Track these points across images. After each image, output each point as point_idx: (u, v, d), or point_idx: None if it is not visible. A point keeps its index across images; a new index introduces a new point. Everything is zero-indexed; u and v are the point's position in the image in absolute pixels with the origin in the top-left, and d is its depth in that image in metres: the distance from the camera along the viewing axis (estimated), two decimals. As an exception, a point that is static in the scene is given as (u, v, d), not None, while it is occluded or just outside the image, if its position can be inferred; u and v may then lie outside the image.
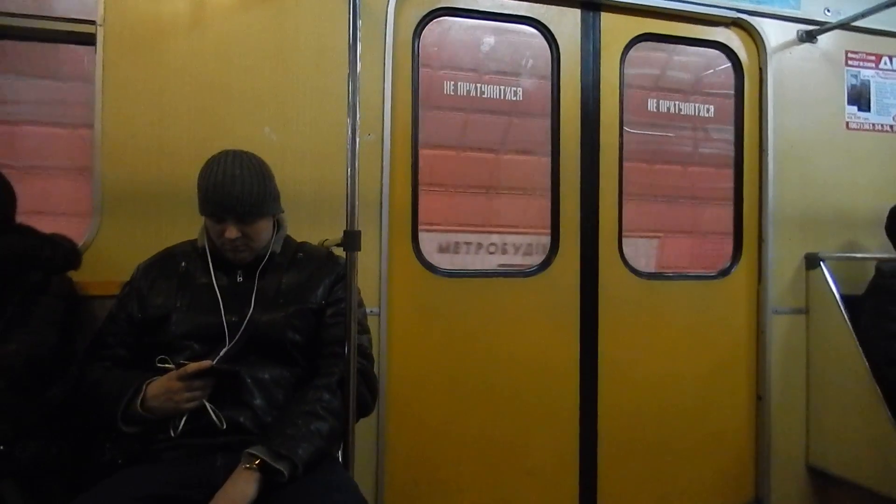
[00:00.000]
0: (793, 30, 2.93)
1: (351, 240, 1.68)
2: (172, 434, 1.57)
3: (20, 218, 1.89)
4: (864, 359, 2.61)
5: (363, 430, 2.16)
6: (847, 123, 3.00)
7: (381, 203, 2.40)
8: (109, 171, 2.15)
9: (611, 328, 2.72)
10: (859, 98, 3.03)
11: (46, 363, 1.71)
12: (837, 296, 2.75)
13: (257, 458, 1.45)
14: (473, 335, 2.56)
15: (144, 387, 1.58)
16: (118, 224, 2.15)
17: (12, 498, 1.51)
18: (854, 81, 3.03)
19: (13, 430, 1.58)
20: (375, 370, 1.86)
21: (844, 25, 2.91)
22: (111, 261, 2.08)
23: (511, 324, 2.60)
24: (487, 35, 3.30)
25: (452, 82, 2.71)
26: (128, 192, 2.16)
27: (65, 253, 1.88)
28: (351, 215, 1.69)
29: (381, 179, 2.40)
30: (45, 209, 3.47)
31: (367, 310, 2.03)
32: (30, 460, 1.58)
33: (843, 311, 2.71)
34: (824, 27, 2.92)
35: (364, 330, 1.83)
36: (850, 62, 3.03)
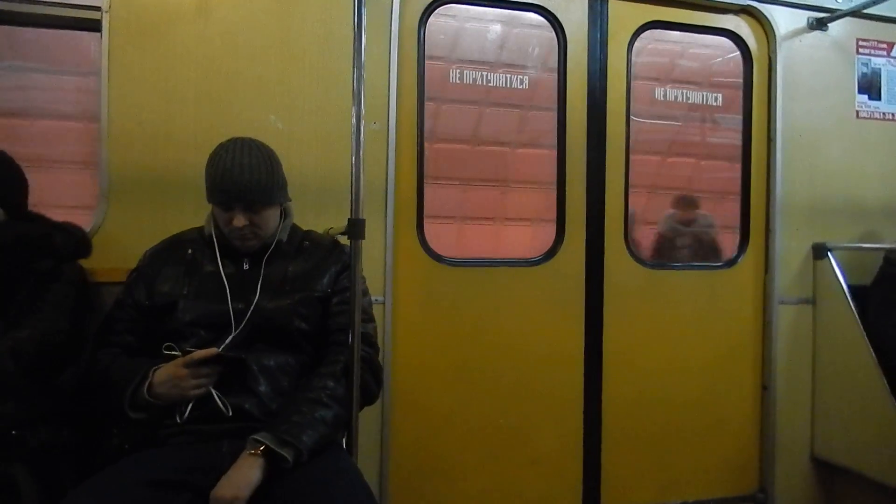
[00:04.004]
0: (803, 17, 2.89)
1: (355, 228, 1.68)
2: (179, 420, 1.58)
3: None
4: (871, 350, 2.60)
5: (368, 418, 2.18)
6: (857, 112, 2.97)
7: (386, 192, 2.39)
8: (116, 158, 2.16)
9: (616, 317, 2.71)
10: (870, 86, 3.00)
11: (58, 349, 1.73)
12: (845, 286, 2.74)
13: (262, 444, 1.46)
14: (478, 324, 2.57)
15: (151, 373, 1.59)
16: (125, 211, 2.15)
17: (24, 481, 1.53)
18: (865, 70, 2.99)
19: (26, 414, 1.61)
20: (380, 359, 1.87)
21: (856, 13, 2.88)
22: (118, 248, 2.09)
23: (516, 313, 2.60)
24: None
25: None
26: (134, 179, 2.16)
27: (76, 241, 1.90)
28: (355, 204, 1.69)
29: (387, 168, 2.39)
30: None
31: (373, 298, 2.04)
32: (41, 445, 1.60)
33: (851, 302, 2.70)
34: (835, 14, 2.89)
35: (369, 318, 1.84)
36: (861, 50, 2.99)
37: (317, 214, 2.21)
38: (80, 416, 1.73)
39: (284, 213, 1.86)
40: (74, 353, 1.79)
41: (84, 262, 1.94)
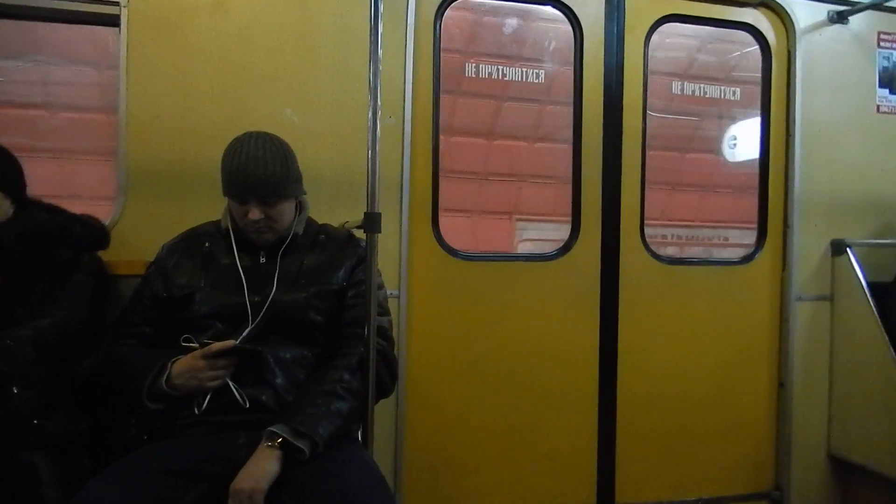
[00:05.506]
0: (823, 10, 2.85)
1: (371, 222, 1.68)
2: (196, 411, 1.60)
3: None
4: (890, 347, 2.57)
5: (383, 411, 2.18)
6: (878, 107, 2.93)
7: (401, 186, 2.39)
8: (134, 152, 2.18)
9: (631, 313, 2.70)
10: (891, 81, 2.95)
11: (78, 338, 1.75)
12: (864, 283, 2.70)
13: (279, 436, 1.47)
14: (493, 319, 2.56)
15: (169, 364, 1.60)
16: (142, 204, 2.17)
17: (45, 469, 1.56)
18: (886, 64, 2.94)
19: (46, 403, 1.63)
20: (395, 352, 1.87)
21: (877, 5, 2.83)
22: (135, 241, 2.11)
23: (531, 308, 2.60)
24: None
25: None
26: (152, 172, 2.18)
27: (94, 232, 1.92)
28: (371, 197, 1.69)
29: (402, 162, 2.39)
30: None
31: (388, 292, 2.04)
32: (61, 433, 1.62)
33: (870, 299, 2.66)
34: (856, 7, 2.84)
35: (384, 312, 1.84)
36: (882, 44, 2.94)
37: (332, 208, 2.20)
38: (97, 405, 1.75)
39: (300, 207, 1.87)
40: (92, 343, 1.81)
41: (102, 255, 1.97)
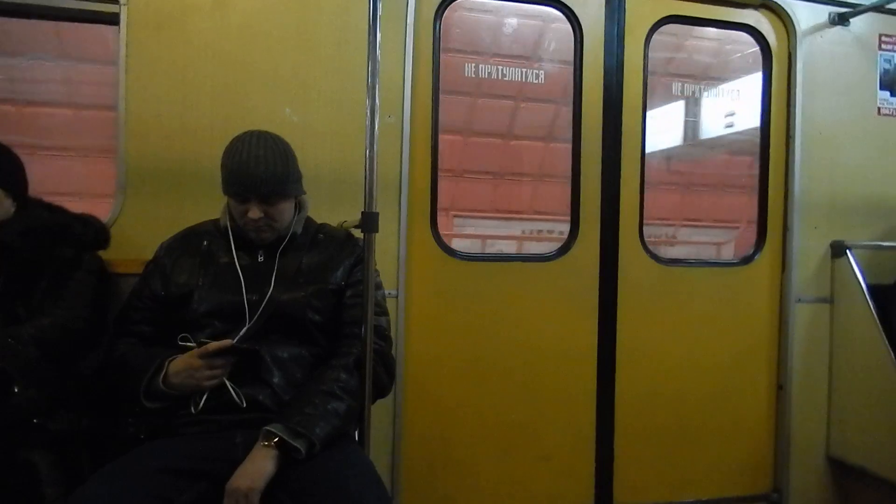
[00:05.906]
0: (824, 12, 2.84)
1: (368, 221, 1.68)
2: (193, 410, 1.60)
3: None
4: (890, 350, 2.56)
5: (380, 411, 2.18)
6: (878, 109, 2.92)
7: (400, 186, 2.39)
8: (133, 150, 2.18)
9: (630, 314, 2.70)
10: (892, 83, 2.94)
11: (79, 337, 1.76)
12: (864, 285, 2.69)
13: (275, 435, 1.47)
14: (491, 319, 2.56)
15: (167, 364, 1.61)
16: (142, 203, 2.17)
17: (44, 468, 1.56)
18: (887, 66, 2.94)
19: (47, 401, 1.63)
20: (393, 352, 1.87)
21: (879, 8, 2.82)
22: (134, 239, 2.11)
23: (529, 308, 2.60)
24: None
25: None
26: (151, 171, 2.18)
27: (95, 231, 1.93)
28: (369, 197, 1.69)
29: (401, 162, 2.39)
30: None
31: (386, 292, 2.04)
32: (61, 431, 1.63)
33: (870, 301, 2.66)
34: (857, 10, 2.83)
35: (382, 312, 1.84)
36: (883, 46, 2.94)
37: (331, 207, 2.20)
38: (97, 404, 1.75)
39: (299, 206, 1.87)
40: (94, 342, 1.82)
41: (101, 254, 1.97)
